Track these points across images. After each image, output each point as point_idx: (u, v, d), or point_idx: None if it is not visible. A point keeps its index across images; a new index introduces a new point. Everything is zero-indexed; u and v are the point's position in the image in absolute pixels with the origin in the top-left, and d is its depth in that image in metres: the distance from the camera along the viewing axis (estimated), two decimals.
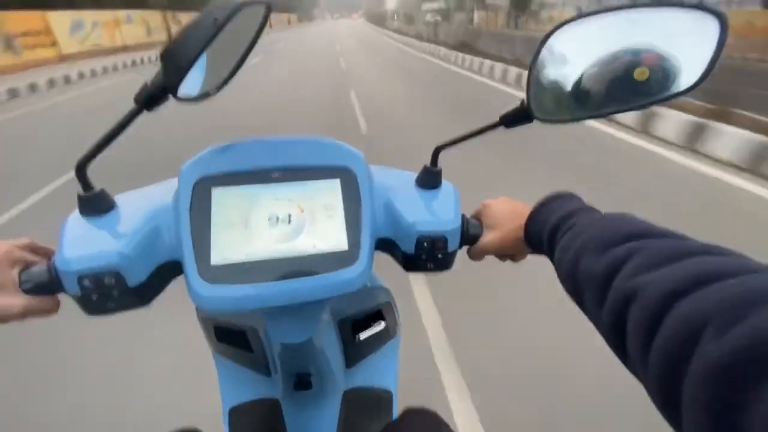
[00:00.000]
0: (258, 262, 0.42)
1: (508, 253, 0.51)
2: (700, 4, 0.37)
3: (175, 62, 0.35)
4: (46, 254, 0.44)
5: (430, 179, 0.53)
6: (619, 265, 0.28)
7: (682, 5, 0.39)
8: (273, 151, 0.47)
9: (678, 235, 0.29)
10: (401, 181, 0.54)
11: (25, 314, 0.39)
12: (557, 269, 0.36)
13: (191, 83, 0.38)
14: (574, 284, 0.33)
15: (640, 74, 0.39)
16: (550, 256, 0.39)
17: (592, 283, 0.30)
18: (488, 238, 0.50)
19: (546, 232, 0.40)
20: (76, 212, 0.43)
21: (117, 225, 0.43)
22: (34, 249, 0.44)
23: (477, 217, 0.54)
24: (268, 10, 0.43)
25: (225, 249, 0.42)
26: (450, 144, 0.52)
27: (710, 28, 0.37)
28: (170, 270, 0.45)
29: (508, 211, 0.49)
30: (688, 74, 0.39)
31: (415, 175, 0.55)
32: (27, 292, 0.40)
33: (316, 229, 0.44)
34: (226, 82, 0.46)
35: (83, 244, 0.40)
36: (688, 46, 0.38)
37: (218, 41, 0.36)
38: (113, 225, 0.43)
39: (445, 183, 0.54)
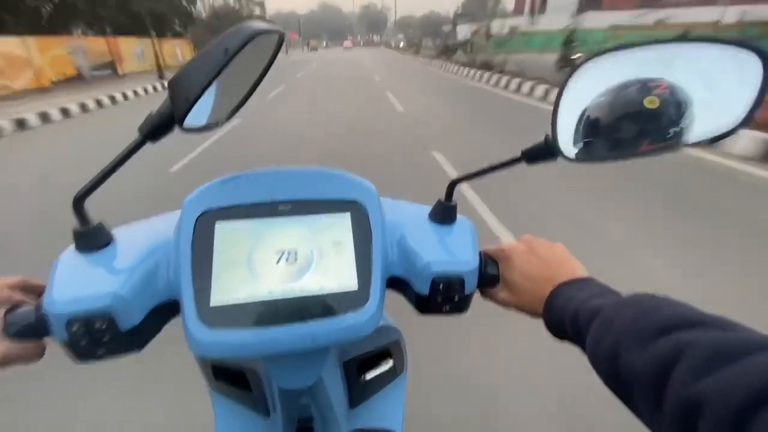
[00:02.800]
0: (261, 303, 0.39)
1: (522, 313, 0.47)
2: (738, 40, 0.35)
3: (183, 92, 0.34)
4: (38, 293, 0.41)
5: (445, 214, 0.50)
6: (669, 365, 0.25)
7: (719, 41, 0.36)
8: (281, 182, 0.45)
9: (725, 322, 0.27)
10: (414, 215, 0.52)
11: (4, 362, 0.36)
12: (592, 364, 0.33)
13: (198, 113, 0.37)
14: (618, 384, 0.30)
15: (650, 102, 0.37)
16: (578, 344, 0.36)
17: (641, 385, 0.27)
18: (505, 296, 0.48)
19: (567, 320, 0.37)
20: (71, 248, 0.41)
21: (113, 261, 0.40)
22: (25, 287, 0.41)
23: (494, 258, 0.50)
24: (281, 39, 0.41)
25: (226, 288, 0.39)
26: (465, 178, 0.50)
27: (751, 65, 0.34)
28: (167, 311, 0.42)
29: (527, 282, 0.45)
30: (727, 115, 0.36)
31: (428, 209, 0.52)
32: (11, 336, 0.37)
33: (325, 266, 0.42)
34: (234, 111, 0.45)
35: (75, 283, 0.38)
36: (726, 85, 0.36)
37: (228, 70, 0.34)
38: (109, 261, 0.40)
39: (461, 218, 0.52)
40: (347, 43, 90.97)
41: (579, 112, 0.41)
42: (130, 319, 0.38)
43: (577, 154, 0.42)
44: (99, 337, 0.37)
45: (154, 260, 0.41)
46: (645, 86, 0.38)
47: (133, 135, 0.37)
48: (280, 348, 0.39)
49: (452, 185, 0.51)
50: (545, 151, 0.43)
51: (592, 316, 0.34)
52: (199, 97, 0.34)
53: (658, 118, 0.38)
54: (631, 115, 0.39)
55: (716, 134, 0.37)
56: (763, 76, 0.33)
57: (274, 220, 0.43)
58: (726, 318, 0.27)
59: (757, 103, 0.34)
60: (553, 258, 0.45)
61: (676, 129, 0.37)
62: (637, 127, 0.39)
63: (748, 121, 0.35)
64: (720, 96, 0.37)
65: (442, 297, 0.46)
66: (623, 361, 0.28)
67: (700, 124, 0.37)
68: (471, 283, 0.46)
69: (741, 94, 0.35)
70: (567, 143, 0.42)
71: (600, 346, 0.31)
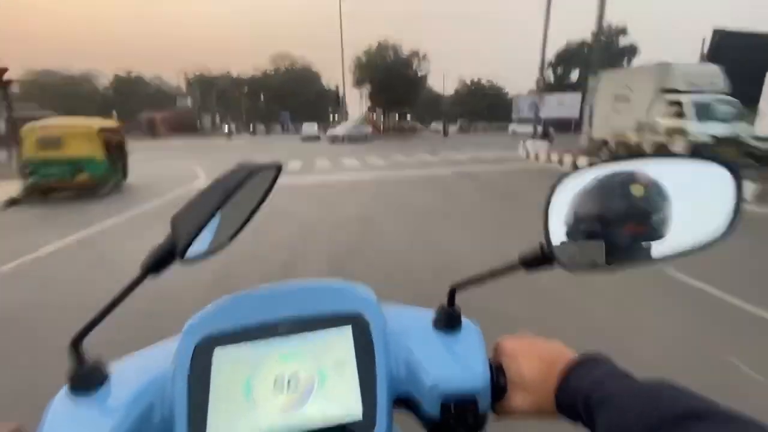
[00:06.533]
0: None
1: (538, 415, 0.45)
2: (711, 156, 0.39)
3: (185, 228, 0.36)
4: None
5: (449, 320, 0.49)
6: None
7: (693, 157, 0.41)
8: (279, 300, 0.45)
9: (733, 416, 0.27)
10: (418, 323, 0.50)
11: None
12: None
13: (198, 244, 0.39)
14: None
15: (637, 190, 0.40)
16: (590, 427, 0.36)
17: None
18: (517, 400, 0.44)
19: (580, 402, 0.36)
20: (64, 390, 0.40)
21: (106, 402, 0.39)
22: None
23: (497, 361, 0.47)
24: (278, 172, 0.44)
25: (223, 425, 0.38)
26: (466, 284, 0.49)
27: (725, 179, 0.38)
28: None
29: (535, 372, 0.44)
30: (712, 225, 0.39)
31: (431, 313, 0.50)
32: None
33: (327, 392, 0.40)
34: (232, 238, 0.47)
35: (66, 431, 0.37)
36: (704, 196, 0.40)
37: (228, 204, 0.37)
38: (102, 404, 0.39)
39: (466, 322, 0.50)
40: (308, 128, 33.31)
41: (569, 218, 0.43)
42: None
43: (573, 264, 0.42)
44: None
45: (149, 397, 0.40)
46: (631, 176, 0.41)
47: None
48: None
49: (453, 290, 0.49)
50: (541, 258, 0.43)
51: (603, 401, 0.34)
52: (198, 233, 0.36)
53: (642, 204, 0.40)
54: (617, 198, 0.41)
55: (708, 240, 0.39)
56: (735, 187, 0.37)
57: (273, 342, 0.42)
58: (734, 411, 0.27)
59: (737, 211, 0.37)
60: (555, 346, 0.46)
61: (659, 217, 0.39)
62: (622, 209, 0.41)
63: (733, 226, 0.38)
64: (697, 205, 0.40)
65: (456, 420, 0.42)
66: None
67: (682, 233, 0.39)
68: (485, 400, 0.44)
69: (719, 205, 0.38)
70: (561, 251, 0.42)
71: None
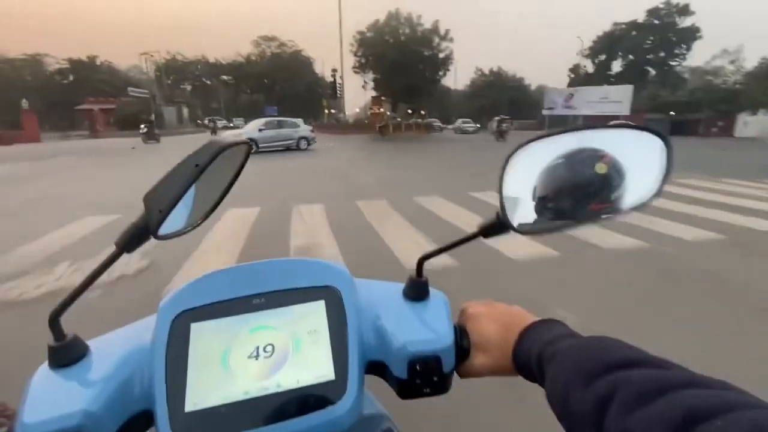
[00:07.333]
0: (235, 404, 0.39)
1: (498, 374, 0.46)
2: (644, 126, 0.43)
3: (157, 206, 0.37)
4: (14, 418, 0.39)
5: (417, 290, 0.51)
6: (605, 402, 0.28)
7: (630, 126, 0.43)
8: (254, 276, 0.47)
9: (659, 362, 0.29)
10: (388, 294, 0.52)
11: None
12: (549, 402, 0.35)
13: (171, 221, 0.39)
14: (568, 422, 0.32)
15: (600, 168, 0.42)
16: (542, 385, 0.37)
17: (585, 421, 0.29)
18: (478, 360, 0.46)
19: (533, 361, 0.39)
20: (45, 365, 0.41)
21: (86, 375, 0.40)
22: (3, 413, 0.41)
23: (461, 325, 0.49)
24: (249, 148, 0.46)
25: (201, 392, 0.39)
26: (433, 254, 0.50)
27: (657, 144, 0.41)
28: (140, 423, 0.41)
29: (495, 335, 0.45)
30: (647, 186, 0.42)
31: (402, 287, 0.52)
32: None
33: (301, 358, 0.42)
34: (206, 216, 0.46)
35: (46, 403, 0.37)
36: (642, 162, 0.42)
37: (200, 181, 0.38)
38: (82, 376, 0.40)
39: (434, 292, 0.52)
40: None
41: (527, 186, 0.44)
42: None
43: (526, 228, 0.45)
44: None
45: (129, 370, 0.41)
46: (595, 154, 0.43)
47: None
48: None
49: (421, 261, 0.51)
50: (498, 226, 0.45)
51: (551, 358, 0.36)
52: (171, 210, 0.37)
53: (605, 183, 0.42)
54: (583, 177, 0.43)
55: (641, 202, 0.42)
56: (666, 152, 0.41)
57: (248, 316, 0.44)
58: (665, 359, 0.30)
59: (667, 174, 0.41)
60: (515, 310, 0.48)
61: (617, 194, 0.42)
62: (588, 189, 0.43)
63: (662, 187, 0.41)
64: (640, 170, 0.42)
65: (421, 379, 0.45)
66: (572, 399, 0.31)
67: (629, 194, 0.42)
68: (449, 360, 0.46)
69: (654, 168, 0.42)
70: (519, 217, 0.44)
71: (555, 387, 0.34)
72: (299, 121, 17.66)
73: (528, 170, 0.44)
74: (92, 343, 0.43)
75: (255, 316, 0.43)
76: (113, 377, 0.39)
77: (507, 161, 0.43)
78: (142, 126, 22.92)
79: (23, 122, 25.63)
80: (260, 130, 15.95)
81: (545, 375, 0.36)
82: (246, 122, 46.61)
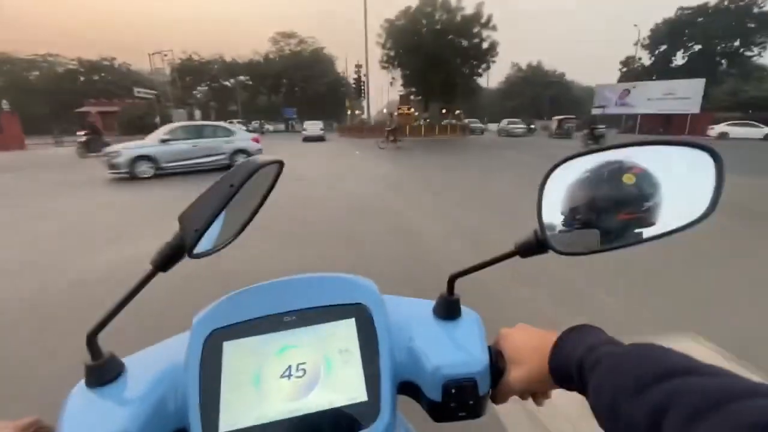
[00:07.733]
0: (269, 424, 0.39)
1: (534, 390, 0.45)
2: (691, 142, 0.40)
3: (193, 225, 0.37)
4: None
5: (449, 309, 0.50)
6: (662, 412, 0.27)
7: (676, 143, 0.41)
8: (284, 293, 0.47)
9: (713, 369, 0.28)
10: (418, 312, 0.51)
11: None
12: (594, 411, 0.34)
13: (205, 240, 0.39)
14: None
15: (629, 179, 0.41)
16: (583, 393, 0.37)
17: (637, 431, 0.28)
18: (513, 375, 0.45)
19: (573, 367, 0.37)
20: (81, 384, 0.41)
21: (123, 394, 0.40)
22: (38, 430, 0.40)
23: (496, 347, 0.48)
24: (281, 167, 0.47)
25: (235, 412, 0.39)
26: (464, 273, 0.50)
27: (706, 162, 0.40)
28: None
29: (529, 345, 0.45)
30: (696, 205, 0.40)
31: (431, 304, 0.51)
32: None
33: (332, 379, 0.42)
34: (237, 234, 0.47)
35: (84, 424, 0.38)
36: (687, 179, 0.41)
37: (233, 201, 0.38)
38: (119, 395, 0.40)
39: (466, 310, 0.51)
40: (310, 127, 25.64)
41: (562, 209, 0.44)
42: None
43: (566, 248, 0.44)
44: None
45: (163, 388, 0.41)
46: (623, 166, 0.42)
47: None
48: None
49: (452, 279, 0.50)
50: (536, 245, 0.44)
51: (595, 365, 0.35)
52: (206, 230, 0.37)
53: (634, 192, 0.41)
54: (610, 187, 0.43)
55: (691, 219, 0.40)
56: (716, 169, 0.39)
57: (279, 335, 0.44)
58: (715, 366, 0.29)
59: (718, 192, 0.39)
60: (550, 331, 0.46)
61: (650, 204, 0.41)
62: (615, 198, 0.43)
63: (713, 207, 0.39)
64: (683, 188, 0.41)
65: (456, 402, 0.44)
66: (623, 409, 0.30)
67: (672, 210, 0.40)
68: (484, 384, 0.45)
69: (702, 186, 0.40)
70: (554, 237, 0.44)
71: (602, 395, 0.33)
72: (236, 127, 11.75)
73: (566, 188, 0.44)
74: (127, 361, 0.43)
75: (286, 335, 0.43)
76: (149, 396, 0.40)
77: (545, 179, 0.44)
78: (81, 133, 15.82)
79: (3, 125, 21.78)
80: (163, 140, 9.67)
81: (588, 382, 0.35)
82: (261, 125, 40.79)
